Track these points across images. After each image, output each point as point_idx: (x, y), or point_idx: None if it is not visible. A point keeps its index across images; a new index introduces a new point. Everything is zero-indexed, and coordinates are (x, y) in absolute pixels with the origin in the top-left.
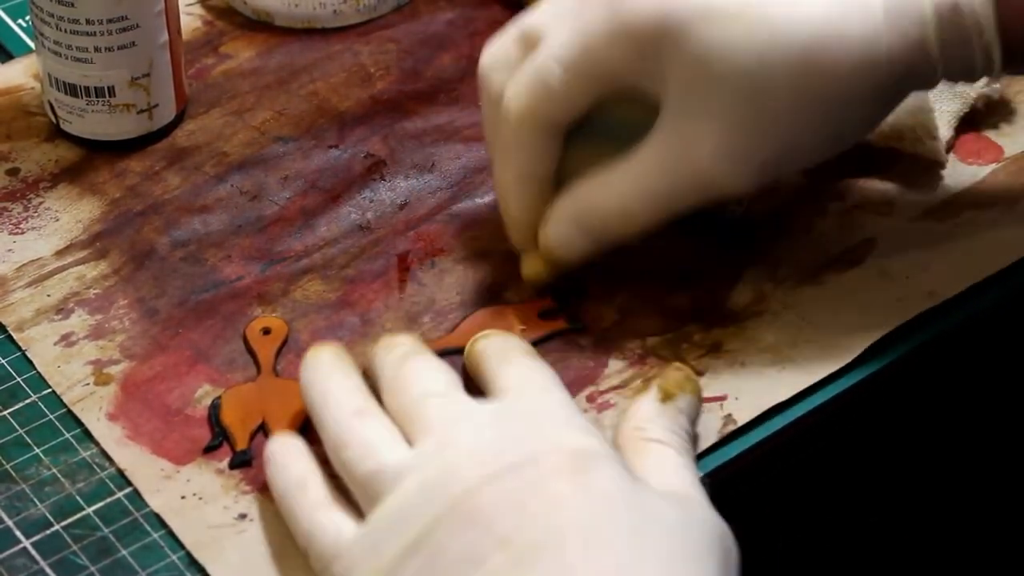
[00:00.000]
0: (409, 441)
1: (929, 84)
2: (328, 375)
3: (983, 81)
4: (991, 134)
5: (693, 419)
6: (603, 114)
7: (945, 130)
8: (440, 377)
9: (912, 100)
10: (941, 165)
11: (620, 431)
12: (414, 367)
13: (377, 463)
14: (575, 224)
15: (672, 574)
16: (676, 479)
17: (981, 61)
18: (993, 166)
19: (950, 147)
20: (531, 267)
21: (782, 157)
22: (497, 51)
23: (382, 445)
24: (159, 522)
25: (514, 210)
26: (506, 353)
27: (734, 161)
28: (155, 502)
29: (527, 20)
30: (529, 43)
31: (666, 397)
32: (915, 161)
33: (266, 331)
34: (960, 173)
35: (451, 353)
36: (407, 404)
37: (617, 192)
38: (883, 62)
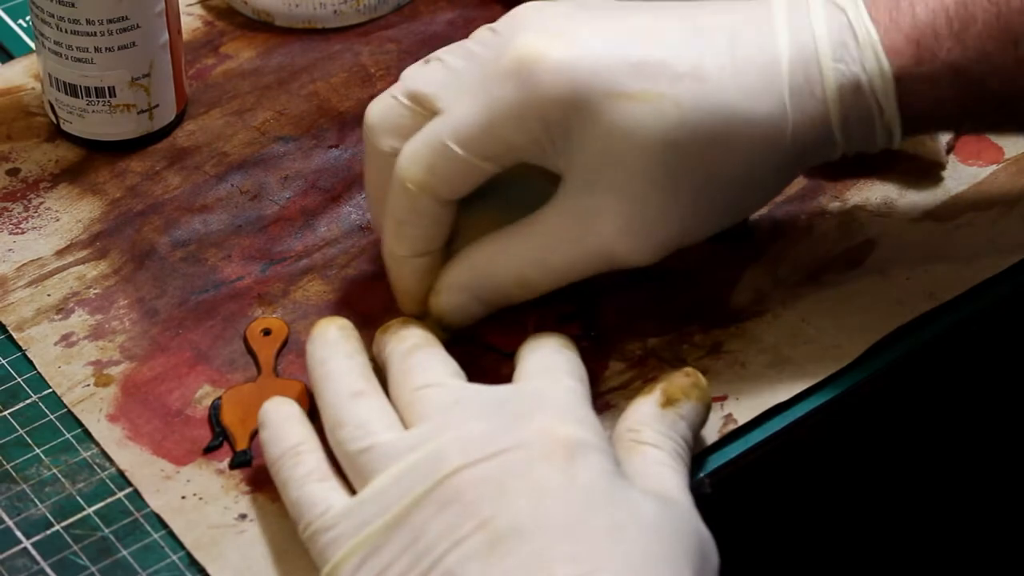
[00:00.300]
0: (407, 427)
1: (829, 158)
2: (332, 354)
3: None
4: (991, 135)
5: (695, 427)
6: (497, 181)
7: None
8: (444, 369)
9: None
10: (941, 166)
11: (615, 431)
12: (420, 359)
13: (369, 442)
14: (469, 292)
15: (647, 573)
16: (661, 482)
17: (882, 137)
18: (993, 167)
19: (950, 148)
20: (428, 329)
21: (683, 233)
22: (386, 111)
23: (376, 425)
24: (159, 522)
25: (407, 282)
26: (540, 341)
27: (636, 237)
28: (155, 502)
29: (418, 82)
30: (422, 108)
31: (668, 402)
32: (915, 162)
33: (266, 332)
34: (960, 174)
35: (453, 343)
36: (408, 393)
37: (515, 262)
38: (787, 142)
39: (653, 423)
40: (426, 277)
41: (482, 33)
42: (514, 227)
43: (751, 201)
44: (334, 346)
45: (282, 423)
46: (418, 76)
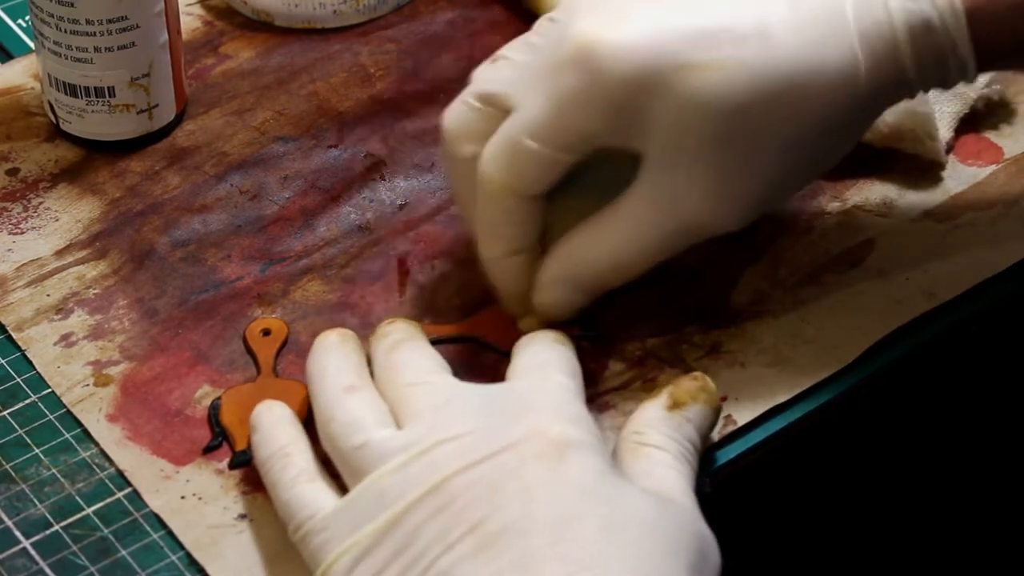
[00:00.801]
0: (399, 425)
1: (906, 97)
2: (327, 353)
3: (983, 82)
4: (991, 135)
5: (703, 431)
6: (581, 169)
7: (945, 131)
8: (428, 364)
9: (912, 101)
10: (941, 166)
11: (621, 435)
12: (403, 354)
13: (362, 438)
14: (569, 284)
15: (639, 571)
16: (662, 483)
17: (956, 73)
18: (993, 167)
19: (950, 148)
20: (530, 327)
21: (769, 193)
22: (461, 117)
23: (368, 421)
24: (159, 522)
25: (507, 283)
26: (534, 337)
27: (724, 204)
28: (155, 502)
29: (487, 82)
30: (495, 108)
31: (675, 405)
32: (915, 162)
33: (266, 332)
34: (960, 174)
35: (450, 341)
36: (397, 389)
37: (609, 247)
38: (862, 88)
39: (658, 426)
40: (524, 275)
41: (542, 24)
42: (603, 213)
43: (833, 152)
44: (331, 348)
45: (272, 425)
46: (486, 77)
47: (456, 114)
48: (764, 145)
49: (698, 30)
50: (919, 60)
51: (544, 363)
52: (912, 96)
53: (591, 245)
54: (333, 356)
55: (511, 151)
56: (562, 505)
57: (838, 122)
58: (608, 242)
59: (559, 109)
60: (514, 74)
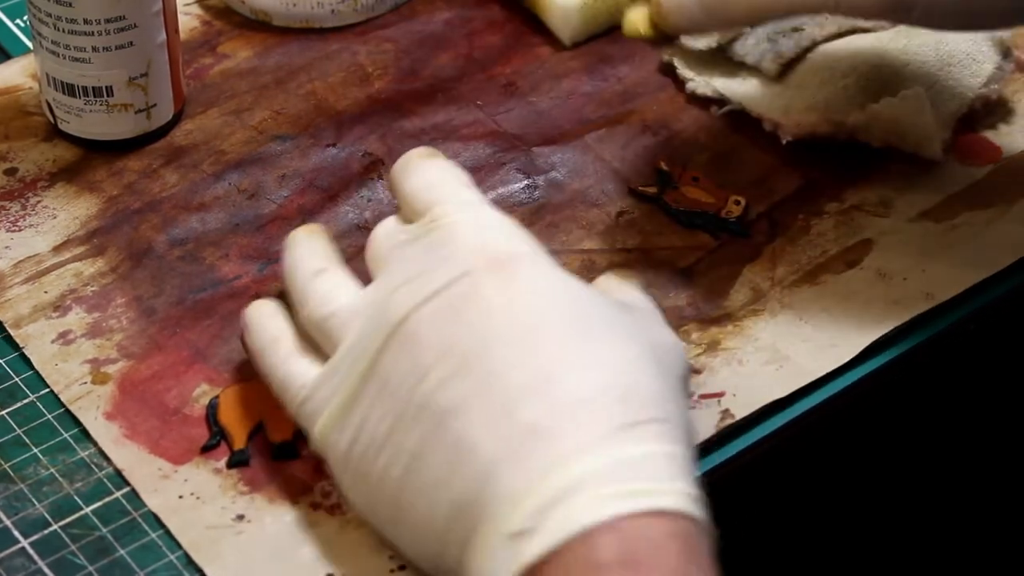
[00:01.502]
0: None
1: None
2: (297, 246)
3: (981, 81)
4: (989, 134)
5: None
6: None
7: (943, 131)
8: (388, 222)
9: (911, 100)
10: (939, 166)
11: None
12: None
13: (331, 309)
14: None
15: (607, 369)
16: (623, 292)
17: None
18: (991, 167)
19: (948, 148)
20: (634, 20)
21: None
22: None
23: (337, 293)
24: (157, 522)
25: None
26: (408, 163)
27: None
28: (153, 502)
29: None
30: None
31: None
32: (913, 162)
33: None
34: (958, 174)
35: None
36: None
37: None
38: None
39: (623, 285)
40: None
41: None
42: None
43: None
44: (299, 241)
45: (261, 318)
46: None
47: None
48: None
49: None
50: None
51: (443, 194)
52: None
53: None
54: (301, 247)
55: None
56: (523, 314)
57: None
58: None
59: None
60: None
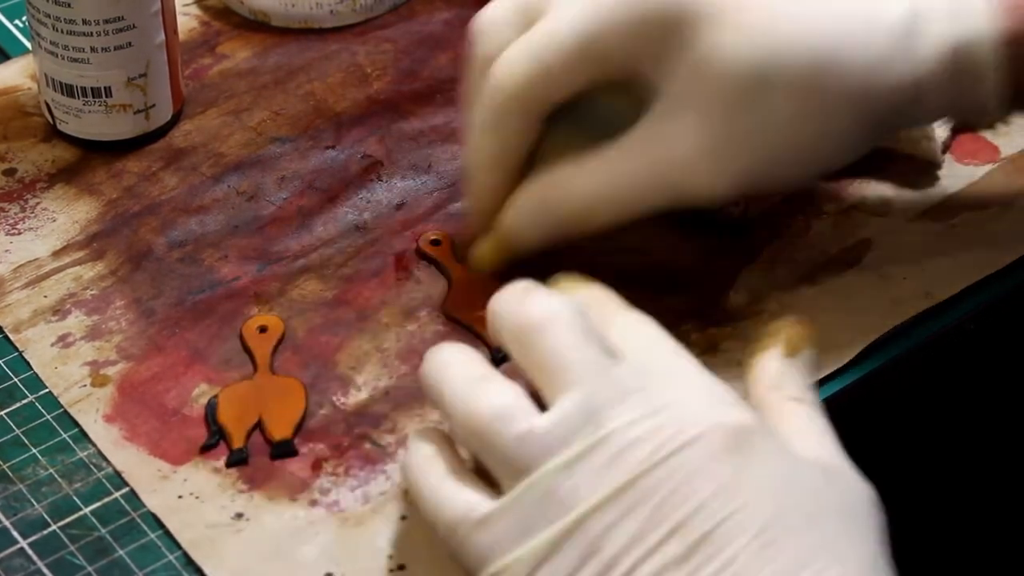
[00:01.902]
0: (546, 400)
1: (924, 122)
2: (446, 352)
3: None
4: (987, 134)
5: (812, 376)
6: (587, 101)
7: (941, 130)
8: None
9: None
10: (937, 166)
11: (753, 392)
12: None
13: (520, 428)
14: (539, 213)
15: (847, 561)
16: (821, 446)
17: (990, 103)
18: (989, 166)
19: (947, 147)
20: (482, 251)
21: (757, 171)
22: (497, 15)
23: (519, 410)
24: (156, 522)
25: (482, 192)
26: (604, 306)
27: (711, 163)
28: (152, 502)
29: None
30: (532, 15)
31: (792, 351)
32: (912, 162)
33: (262, 329)
34: (957, 174)
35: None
36: (544, 358)
37: (592, 182)
38: (881, 93)
39: (792, 376)
40: (500, 193)
41: None
42: (591, 151)
43: (832, 153)
44: (448, 348)
45: (420, 437)
46: None
47: (493, 10)
48: (766, 116)
49: None
50: (947, 82)
51: (648, 338)
52: (929, 122)
53: (574, 175)
54: (453, 352)
55: (534, 54)
56: (761, 503)
57: (848, 124)
58: (592, 177)
59: (596, 20)
60: None
